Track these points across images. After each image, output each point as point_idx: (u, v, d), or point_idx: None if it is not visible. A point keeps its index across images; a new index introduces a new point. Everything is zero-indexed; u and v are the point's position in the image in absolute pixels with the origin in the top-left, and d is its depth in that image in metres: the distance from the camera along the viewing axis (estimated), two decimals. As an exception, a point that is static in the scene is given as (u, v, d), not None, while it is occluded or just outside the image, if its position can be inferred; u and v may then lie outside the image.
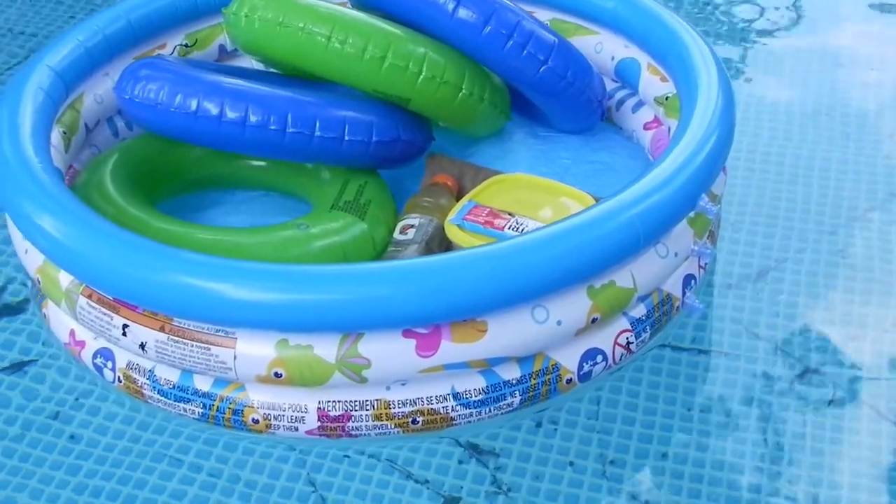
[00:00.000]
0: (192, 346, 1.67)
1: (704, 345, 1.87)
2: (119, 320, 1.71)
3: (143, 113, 1.97)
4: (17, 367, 1.86)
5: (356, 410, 1.68)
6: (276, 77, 2.14)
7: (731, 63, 2.56)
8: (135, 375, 1.75)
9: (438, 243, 1.91)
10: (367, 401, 1.68)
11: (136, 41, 2.18)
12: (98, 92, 2.12)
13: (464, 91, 1.99)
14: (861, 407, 1.77)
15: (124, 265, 1.66)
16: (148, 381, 1.74)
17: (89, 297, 1.73)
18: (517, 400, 1.72)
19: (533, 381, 1.72)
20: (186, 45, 2.26)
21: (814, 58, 2.61)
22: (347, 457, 1.70)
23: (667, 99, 2.08)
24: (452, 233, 1.88)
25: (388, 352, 1.64)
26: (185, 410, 1.73)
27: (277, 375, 1.65)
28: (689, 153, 1.77)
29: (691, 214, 1.81)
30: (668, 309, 1.84)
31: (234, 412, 1.70)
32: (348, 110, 1.95)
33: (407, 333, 1.64)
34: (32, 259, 1.83)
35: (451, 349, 1.64)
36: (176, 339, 1.67)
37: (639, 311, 1.79)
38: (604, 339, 1.76)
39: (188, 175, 2.10)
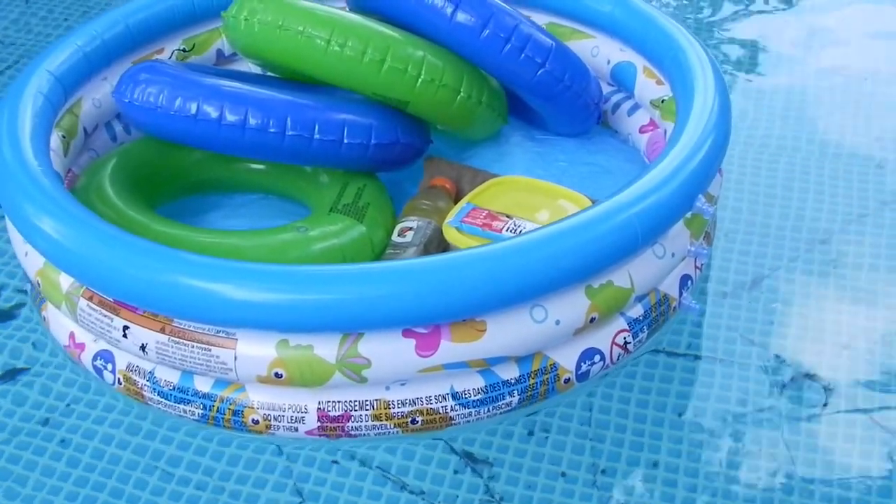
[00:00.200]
0: (193, 347, 1.67)
1: (698, 351, 1.88)
2: (119, 322, 1.71)
3: (143, 116, 1.98)
4: (9, 374, 1.86)
5: (356, 410, 1.69)
6: (275, 81, 2.14)
7: (725, 71, 2.56)
8: (135, 377, 1.76)
9: (437, 245, 1.92)
10: (366, 401, 1.69)
11: (134, 46, 2.19)
12: (96, 96, 2.13)
13: (462, 94, 2.00)
14: (854, 414, 1.77)
15: (125, 267, 1.66)
16: (148, 383, 1.75)
17: (90, 299, 1.74)
18: (516, 399, 1.73)
19: (531, 381, 1.73)
20: (184, 50, 2.27)
21: (807, 66, 2.62)
22: (336, 462, 1.70)
23: (662, 102, 2.10)
24: (451, 235, 1.89)
25: (387, 352, 1.65)
26: (185, 412, 1.74)
27: (278, 376, 1.66)
28: (687, 154, 1.79)
29: (688, 215, 1.82)
30: (665, 309, 1.85)
31: (234, 413, 1.71)
32: (347, 113, 1.96)
33: (407, 333, 1.65)
34: (32, 262, 1.83)
35: (450, 349, 1.65)
36: (176, 340, 1.68)
37: (636, 311, 1.80)
38: (601, 338, 1.77)
39: (187, 178, 2.11)
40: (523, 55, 2.01)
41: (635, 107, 2.21)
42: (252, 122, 1.91)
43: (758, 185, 2.23)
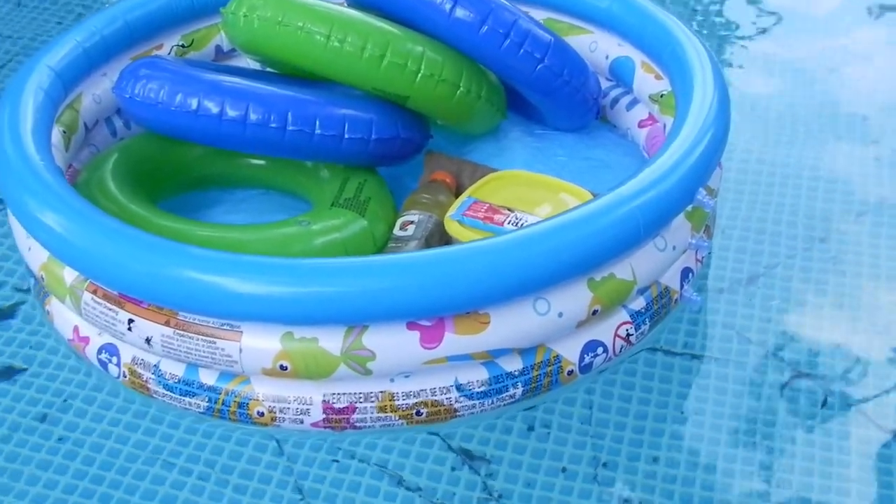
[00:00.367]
0: (198, 339, 1.68)
1: (696, 349, 1.88)
2: (124, 315, 1.72)
3: (144, 112, 1.99)
4: (7, 372, 1.86)
5: (361, 402, 1.70)
6: (274, 77, 2.15)
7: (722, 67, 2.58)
8: (140, 370, 1.76)
9: (438, 239, 1.93)
10: (371, 393, 1.69)
11: (133, 42, 2.20)
12: (96, 92, 2.13)
13: (461, 89, 2.01)
14: (851, 412, 1.78)
15: (129, 260, 1.67)
16: (153, 376, 1.75)
17: (94, 292, 1.74)
18: (519, 391, 1.74)
19: (535, 373, 1.74)
20: (183, 46, 2.27)
21: (805, 61, 2.63)
22: (336, 461, 1.71)
23: (661, 96, 2.11)
24: (452, 228, 1.90)
25: (392, 344, 1.66)
26: (190, 404, 1.74)
27: (283, 368, 1.66)
28: (688, 147, 1.80)
29: (689, 208, 1.83)
30: (667, 302, 1.86)
31: (240, 405, 1.72)
32: (348, 108, 1.97)
33: (411, 326, 1.66)
34: (36, 256, 1.84)
35: (454, 341, 1.66)
36: (181, 333, 1.68)
37: (638, 303, 1.81)
38: (604, 331, 1.78)
39: (188, 174, 2.12)
40: (522, 50, 2.02)
41: (634, 101, 2.22)
42: (253, 117, 1.92)
43: (758, 183, 2.24)
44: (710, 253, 2.03)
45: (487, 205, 1.92)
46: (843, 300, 1.98)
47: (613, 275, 1.74)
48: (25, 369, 1.86)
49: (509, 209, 1.91)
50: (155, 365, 1.75)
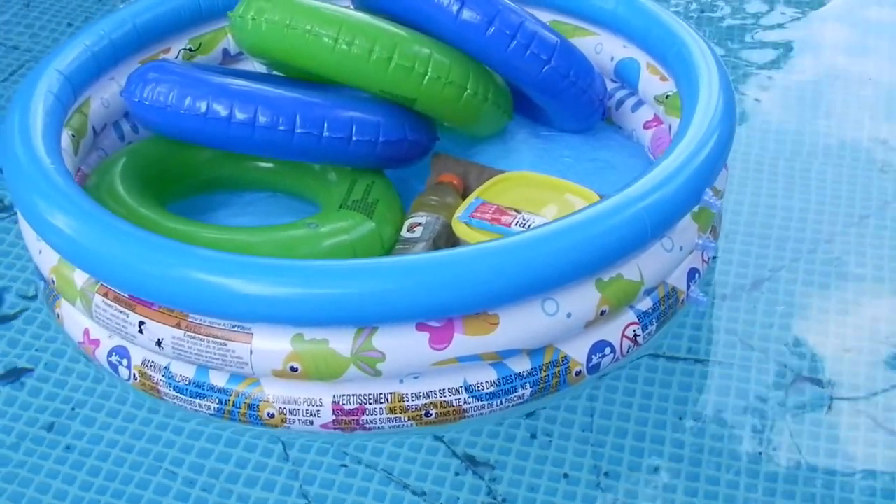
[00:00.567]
0: (209, 342, 1.69)
1: (699, 355, 1.89)
2: (135, 318, 1.73)
3: (153, 115, 1.99)
4: (13, 374, 1.87)
5: (370, 404, 1.71)
6: (281, 79, 2.16)
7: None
8: (150, 372, 1.77)
9: (446, 241, 1.94)
10: (381, 394, 1.70)
11: (141, 46, 2.20)
12: (104, 96, 2.14)
13: (468, 91, 2.02)
14: (856, 416, 1.78)
15: (141, 263, 1.68)
16: (163, 378, 1.76)
17: (105, 295, 1.75)
18: (528, 392, 1.75)
19: (543, 374, 1.75)
20: (190, 50, 2.28)
21: (809, 66, 2.63)
22: (345, 466, 1.72)
23: (667, 97, 2.12)
24: (460, 230, 1.91)
25: (402, 345, 1.67)
26: (200, 406, 1.75)
27: (293, 370, 1.67)
28: (694, 148, 1.81)
29: (695, 209, 1.84)
30: (674, 302, 1.87)
31: (250, 407, 1.73)
32: (355, 111, 1.98)
33: (420, 327, 1.67)
34: (46, 259, 1.85)
35: (463, 342, 1.67)
36: (192, 335, 1.69)
37: (645, 304, 1.83)
38: (612, 331, 1.79)
39: (196, 177, 2.13)
40: (529, 52, 2.03)
41: (639, 103, 2.23)
42: (262, 119, 1.93)
43: (760, 186, 2.25)
44: (715, 257, 2.03)
45: (495, 206, 1.93)
46: (847, 305, 1.98)
47: (621, 275, 1.75)
48: (31, 370, 1.87)
49: (516, 210, 1.92)
50: (165, 367, 1.76)
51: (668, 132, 2.11)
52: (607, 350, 1.79)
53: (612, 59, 2.24)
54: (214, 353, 1.69)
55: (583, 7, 2.25)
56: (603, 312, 1.74)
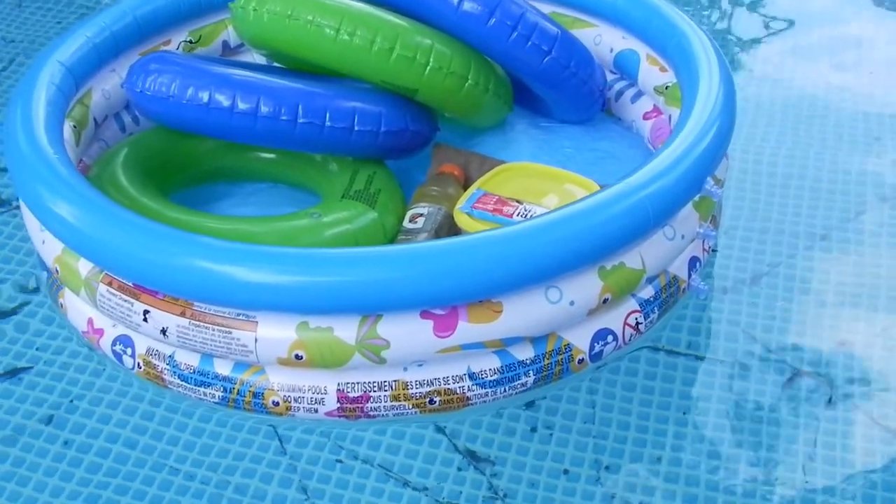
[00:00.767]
0: (214, 330, 1.69)
1: (699, 350, 1.89)
2: (140, 306, 1.73)
3: (155, 106, 2.00)
4: (11, 373, 1.87)
5: (375, 391, 1.71)
6: (282, 70, 2.16)
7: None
8: (155, 361, 1.77)
9: (447, 231, 1.94)
10: (385, 381, 1.71)
11: (142, 37, 2.21)
12: (105, 87, 2.15)
13: (469, 81, 2.03)
14: (854, 412, 1.78)
15: (145, 251, 1.68)
16: (168, 367, 1.76)
17: (109, 284, 1.76)
18: (531, 379, 1.76)
19: (546, 361, 1.75)
20: (190, 42, 2.29)
21: (807, 61, 2.64)
22: (340, 461, 1.72)
23: (666, 88, 2.13)
24: (462, 220, 1.91)
25: (406, 333, 1.67)
26: (205, 394, 1.76)
27: (298, 357, 1.68)
28: (695, 137, 1.82)
29: (697, 198, 1.85)
30: (675, 290, 1.88)
31: (255, 395, 1.73)
32: (357, 101, 1.99)
33: (425, 315, 1.67)
34: (50, 249, 1.85)
35: (467, 330, 1.68)
36: (197, 323, 1.70)
37: (647, 292, 1.83)
38: (614, 319, 1.80)
39: (198, 167, 2.13)
40: (530, 43, 2.03)
41: (639, 94, 2.24)
42: (264, 109, 1.93)
43: (759, 182, 2.25)
44: (715, 251, 2.04)
45: (496, 197, 1.94)
46: (845, 298, 1.98)
47: (623, 263, 1.76)
48: (31, 367, 1.87)
49: (518, 201, 1.92)
50: (170, 356, 1.76)
51: (668, 123, 2.12)
52: (609, 338, 1.80)
53: (612, 50, 2.25)
54: (219, 342, 1.70)
55: (583, -1, 2.27)
56: (605, 300, 1.75)
